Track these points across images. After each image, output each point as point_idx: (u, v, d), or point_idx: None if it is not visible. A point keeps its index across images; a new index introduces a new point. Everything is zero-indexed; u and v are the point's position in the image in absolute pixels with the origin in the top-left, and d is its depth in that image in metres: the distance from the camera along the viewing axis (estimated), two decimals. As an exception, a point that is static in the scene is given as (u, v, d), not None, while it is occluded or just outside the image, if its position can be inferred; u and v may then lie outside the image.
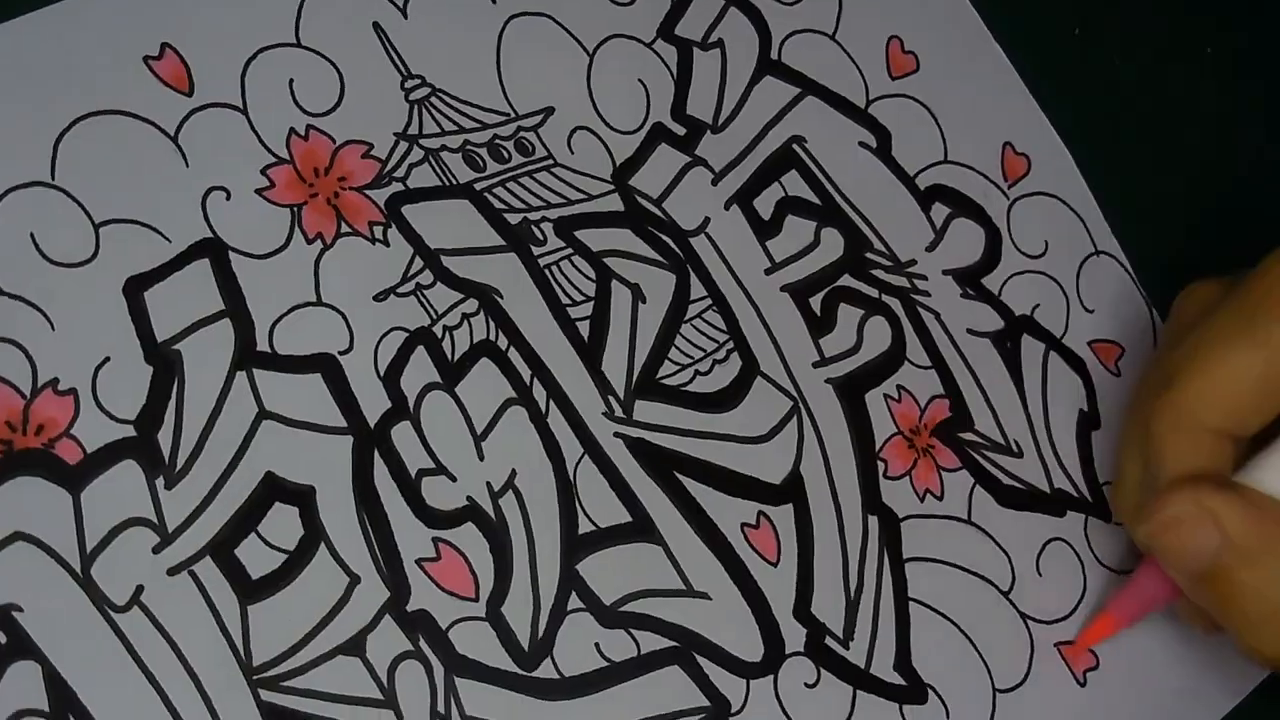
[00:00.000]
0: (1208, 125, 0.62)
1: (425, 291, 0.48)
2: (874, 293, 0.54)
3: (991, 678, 0.51)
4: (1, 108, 0.45)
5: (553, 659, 0.47)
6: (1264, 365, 0.46)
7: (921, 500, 0.52)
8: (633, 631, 0.48)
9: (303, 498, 0.45)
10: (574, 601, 0.48)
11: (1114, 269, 0.58)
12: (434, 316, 0.48)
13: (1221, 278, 0.52)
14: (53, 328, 0.44)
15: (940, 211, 0.56)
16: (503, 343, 0.49)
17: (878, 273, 0.54)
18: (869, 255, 0.54)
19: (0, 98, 0.45)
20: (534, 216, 0.50)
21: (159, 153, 0.46)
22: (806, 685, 0.50)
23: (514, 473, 0.48)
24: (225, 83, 0.48)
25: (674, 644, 0.49)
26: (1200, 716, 0.55)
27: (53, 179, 0.45)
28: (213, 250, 0.46)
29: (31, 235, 0.44)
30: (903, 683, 0.51)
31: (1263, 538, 0.46)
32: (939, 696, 0.51)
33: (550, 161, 0.51)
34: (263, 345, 0.46)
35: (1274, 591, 0.46)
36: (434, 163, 0.49)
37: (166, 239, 0.46)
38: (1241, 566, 0.46)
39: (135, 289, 0.45)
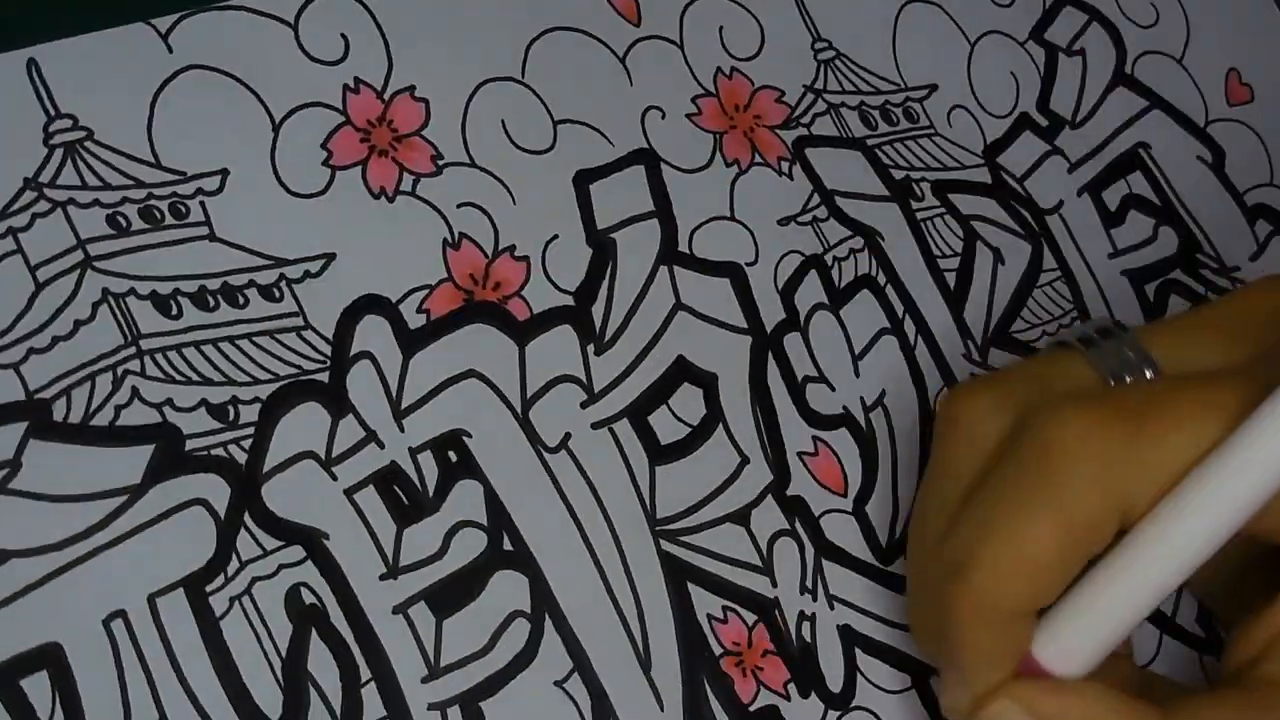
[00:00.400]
0: None
1: (820, 224, 0.51)
2: (1201, 289, 0.56)
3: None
4: (484, 13, 0.48)
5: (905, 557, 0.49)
6: (1064, 534, 0.40)
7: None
8: (975, 545, 0.50)
9: (707, 382, 0.48)
10: (925, 511, 0.49)
11: None
12: (826, 246, 0.51)
13: (989, 387, 0.45)
14: (514, 202, 0.47)
15: (1263, 228, 0.58)
16: (881, 279, 0.51)
17: (1205, 273, 0.56)
18: (1199, 256, 0.56)
19: (484, 7, 0.48)
20: (915, 175, 0.53)
21: (609, 70, 0.49)
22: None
23: (884, 392, 0.50)
24: (667, 20, 0.51)
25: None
26: None
27: (522, 77, 0.48)
28: (647, 159, 0.49)
29: (502, 122, 0.47)
30: (1202, 635, 0.52)
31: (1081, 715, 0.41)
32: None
33: (932, 130, 0.53)
34: (683, 246, 0.49)
35: None
36: (834, 116, 0.52)
37: (610, 143, 0.49)
38: None
39: (582, 181, 0.48)
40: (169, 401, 0.41)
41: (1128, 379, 0.44)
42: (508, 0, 0.48)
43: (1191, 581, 0.44)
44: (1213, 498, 0.39)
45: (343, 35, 0.46)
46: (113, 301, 0.41)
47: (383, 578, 0.42)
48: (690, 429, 0.47)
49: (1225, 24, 0.60)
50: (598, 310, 0.47)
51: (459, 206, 0.46)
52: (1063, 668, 0.42)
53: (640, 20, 0.50)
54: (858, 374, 0.50)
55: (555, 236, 0.47)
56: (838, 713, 0.47)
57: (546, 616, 0.44)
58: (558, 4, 0.49)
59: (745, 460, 0.47)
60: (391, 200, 0.45)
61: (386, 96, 0.46)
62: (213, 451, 0.41)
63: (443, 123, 0.47)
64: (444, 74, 0.47)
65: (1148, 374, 0.44)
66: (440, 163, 0.46)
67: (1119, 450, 0.40)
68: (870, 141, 0.52)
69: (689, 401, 0.48)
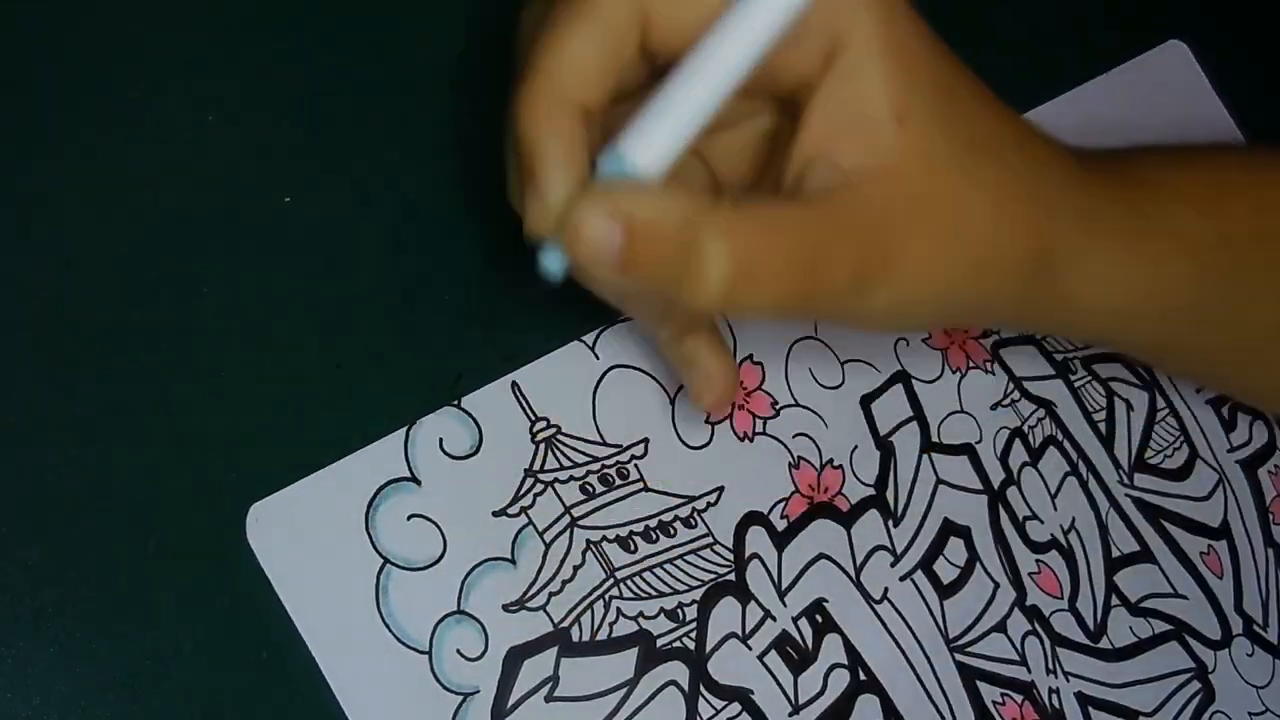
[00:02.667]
0: None
1: (1016, 404, 0.54)
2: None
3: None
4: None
5: (1108, 636, 0.52)
6: (598, 34, 0.36)
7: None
8: (1148, 619, 0.53)
9: (964, 533, 0.51)
10: (1114, 600, 0.53)
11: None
12: (1022, 419, 0.53)
13: None
14: (827, 426, 0.49)
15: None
16: (1059, 436, 0.54)
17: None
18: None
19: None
20: (1070, 356, 0.55)
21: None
22: (1247, 655, 0.55)
23: (1074, 519, 0.53)
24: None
25: (1170, 627, 0.53)
26: None
27: (815, 333, 0.51)
28: (903, 378, 0.52)
29: (810, 370, 0.50)
30: (1291, 652, 0.55)
31: (652, 203, 0.34)
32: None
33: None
34: (935, 437, 0.51)
35: (674, 246, 0.34)
36: (1015, 326, 0.55)
37: (878, 370, 0.51)
38: (643, 237, 0.34)
39: (865, 402, 0.51)
40: (640, 614, 0.44)
41: None
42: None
43: (721, 177, 0.41)
44: (718, 38, 0.34)
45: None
46: (593, 548, 0.44)
47: (791, 716, 0.45)
48: (959, 569, 0.50)
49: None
50: (890, 494, 0.50)
51: (794, 437, 0.48)
52: (644, 162, 0.34)
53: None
54: (1055, 509, 0.53)
55: (856, 446, 0.49)
56: (1084, 756, 0.49)
57: (895, 723, 0.46)
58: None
59: (997, 585, 0.50)
60: (752, 441, 0.48)
61: (739, 364, 0.48)
62: (673, 644, 0.44)
63: (774, 378, 0.49)
64: (768, 341, 0.49)
65: None
66: (777, 407, 0.49)
67: None
68: (1038, 336, 0.55)
69: (956, 550, 0.50)
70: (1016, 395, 0.53)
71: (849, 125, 0.37)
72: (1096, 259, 0.42)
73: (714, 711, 0.44)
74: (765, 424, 0.48)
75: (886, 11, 0.37)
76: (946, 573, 0.49)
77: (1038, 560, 0.51)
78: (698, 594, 0.45)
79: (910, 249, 0.38)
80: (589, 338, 0.46)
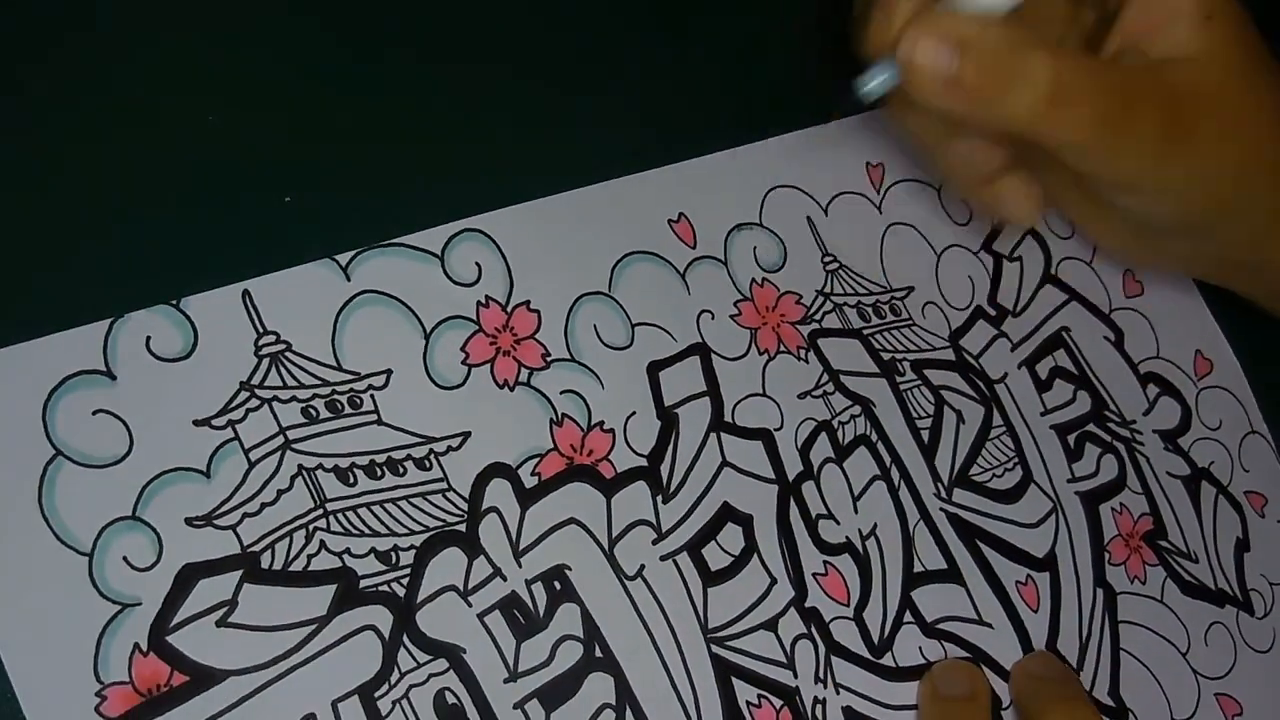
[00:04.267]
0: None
1: (829, 397, 0.50)
2: (1108, 438, 0.55)
3: (1171, 710, 0.52)
4: (578, 243, 0.48)
5: (893, 653, 0.48)
6: None
7: (1131, 582, 0.53)
8: (943, 642, 0.49)
9: (745, 521, 0.47)
10: (907, 616, 0.49)
11: (1264, 444, 0.59)
12: (832, 414, 0.50)
13: None
14: (602, 387, 0.46)
15: (1153, 390, 0.57)
16: (874, 437, 0.50)
17: (1111, 425, 0.55)
18: (1106, 413, 0.55)
19: (577, 237, 0.48)
20: (899, 357, 0.52)
21: (673, 282, 0.48)
22: (1052, 697, 0.50)
23: (875, 525, 0.49)
24: (715, 243, 0.50)
25: (968, 655, 0.50)
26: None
27: (609, 290, 0.47)
28: (701, 350, 0.48)
29: (594, 326, 0.47)
30: (1112, 704, 0.51)
31: (982, 30, 0.41)
32: (1135, 717, 0.51)
33: (910, 321, 0.53)
34: (728, 417, 0.48)
35: (1002, 60, 0.41)
36: (839, 313, 0.51)
37: (674, 339, 0.48)
38: (975, 58, 0.40)
39: (654, 369, 0.47)
40: (347, 550, 0.41)
41: None
42: (600, 231, 0.47)
43: None
44: None
45: (477, 263, 0.45)
46: (306, 475, 0.40)
47: (506, 681, 0.42)
48: (733, 558, 0.46)
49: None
50: (665, 468, 0.46)
51: (562, 393, 0.45)
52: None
53: (696, 244, 0.49)
54: (856, 511, 0.49)
55: (634, 413, 0.46)
56: (843, 774, 0.45)
57: (627, 708, 0.43)
58: (636, 232, 0.48)
59: (774, 581, 0.47)
60: (512, 390, 0.45)
61: (509, 309, 0.45)
62: (379, 588, 0.40)
63: (551, 328, 0.46)
64: (552, 291, 0.46)
65: None
66: (549, 359, 0.45)
67: None
68: (865, 332, 0.51)
69: (732, 537, 0.47)
70: (830, 388, 0.50)
71: (1162, 20, 0.43)
72: None
73: (415, 665, 0.40)
74: (531, 375, 0.45)
75: None
76: (717, 559, 0.46)
77: (826, 561, 0.47)
78: (418, 540, 0.42)
79: (1204, 128, 0.43)
80: (343, 257, 0.43)
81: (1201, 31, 0.44)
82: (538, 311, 0.45)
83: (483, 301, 0.45)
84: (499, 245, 0.45)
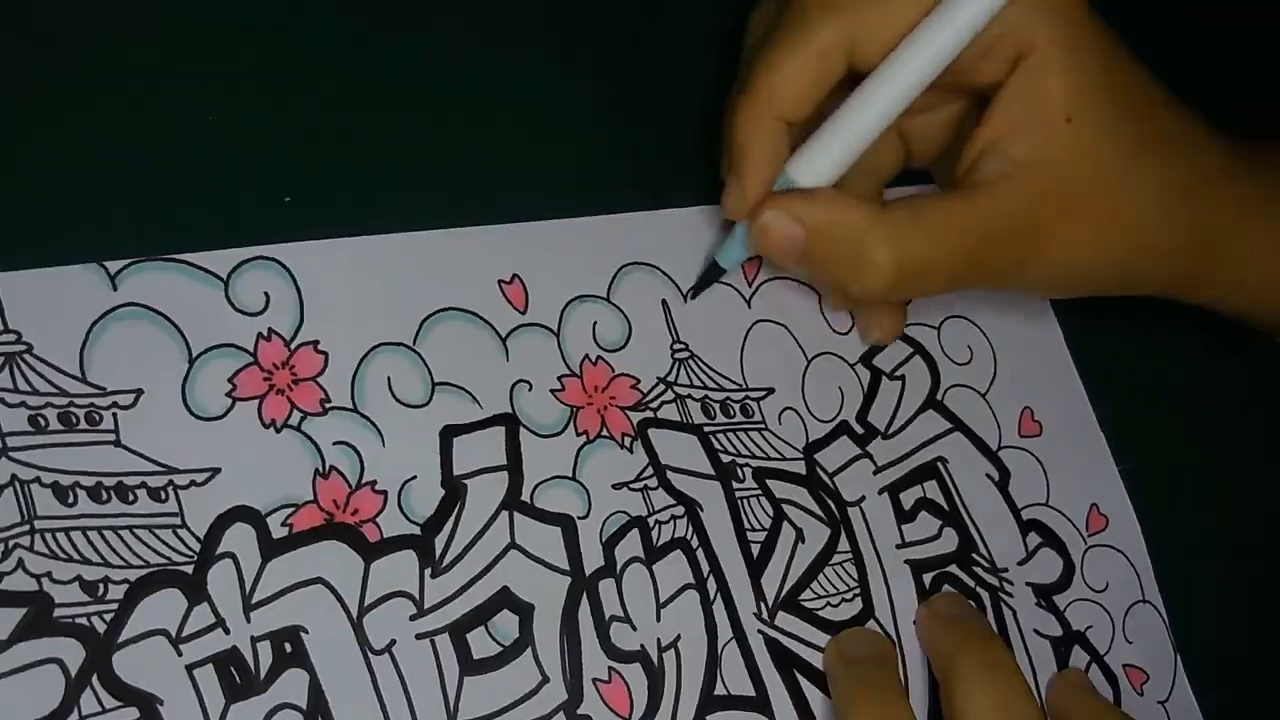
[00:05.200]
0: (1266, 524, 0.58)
1: (650, 492, 0.46)
2: (971, 583, 0.51)
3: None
4: (384, 291, 0.45)
5: (672, 779, 0.44)
6: (809, 58, 0.43)
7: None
8: (734, 778, 0.45)
9: (525, 611, 0.43)
10: (698, 742, 0.44)
11: (1154, 616, 0.54)
12: (651, 510, 0.46)
13: None
14: (383, 445, 0.43)
15: (1034, 539, 0.53)
16: (694, 543, 0.47)
17: (978, 570, 0.51)
18: (974, 555, 0.51)
19: (384, 284, 0.45)
20: (740, 461, 0.48)
21: (490, 347, 0.45)
22: None
23: (679, 637, 0.45)
24: (549, 312, 0.47)
25: (761, 797, 0.45)
26: None
27: (413, 344, 0.44)
28: (509, 422, 0.45)
29: (388, 379, 0.43)
30: None
31: (826, 212, 0.44)
32: None
33: (763, 425, 0.49)
34: (525, 497, 0.44)
35: (847, 247, 0.44)
36: (679, 405, 0.48)
37: (479, 405, 0.45)
38: (820, 239, 0.44)
39: (448, 434, 0.44)
40: (48, 574, 0.38)
41: None
42: (416, 281, 0.45)
43: (916, 153, 0.50)
44: (921, 47, 0.43)
45: (265, 293, 0.42)
46: (18, 486, 0.38)
47: (204, 745, 0.37)
48: (502, 648, 0.43)
49: (1027, 370, 0.55)
50: (440, 541, 0.43)
51: (335, 444, 0.42)
52: (812, 181, 0.45)
53: (527, 309, 0.46)
54: (659, 619, 0.45)
55: (414, 477, 0.43)
56: None
57: (342, 793, 0.39)
58: (457, 288, 0.45)
59: (545, 679, 0.43)
60: (279, 431, 0.41)
61: (293, 346, 0.42)
62: (76, 620, 0.37)
63: (337, 373, 0.43)
64: (346, 334, 0.43)
65: None
66: (327, 405, 0.42)
67: (850, 2, 0.43)
68: (707, 429, 0.48)
69: (506, 626, 0.43)
70: (654, 483, 0.46)
71: (1024, 120, 0.44)
72: (1253, 241, 0.48)
73: (99, 709, 0.37)
74: (304, 419, 0.42)
75: (1069, 18, 0.43)
76: (482, 646, 0.42)
77: (612, 668, 0.44)
78: (134, 574, 0.38)
79: (1065, 232, 0.45)
80: (114, 265, 0.40)
81: (1063, 133, 0.44)
82: (325, 354, 0.42)
83: (264, 334, 0.42)
84: (295, 278, 0.42)
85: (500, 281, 0.46)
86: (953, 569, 0.51)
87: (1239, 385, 0.51)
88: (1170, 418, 0.58)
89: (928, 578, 0.50)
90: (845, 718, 0.45)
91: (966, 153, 0.45)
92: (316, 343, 0.43)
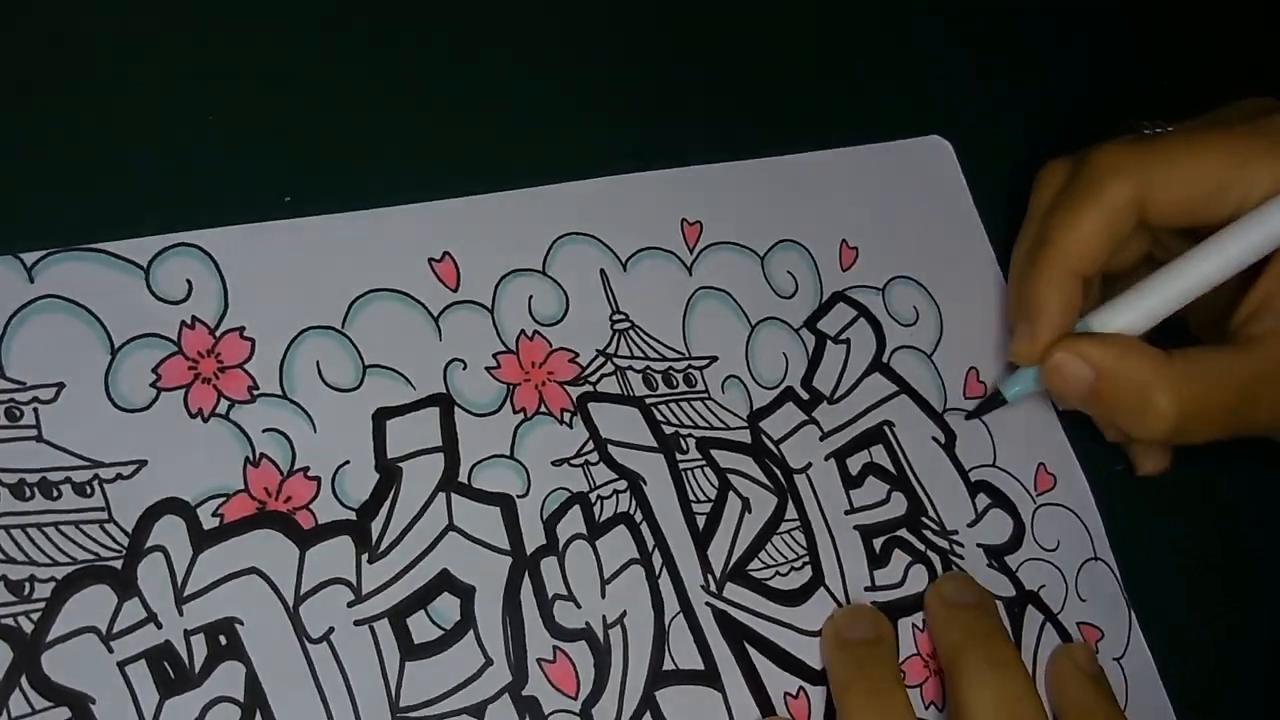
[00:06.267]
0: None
1: (591, 467, 0.46)
2: (922, 547, 0.51)
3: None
4: (311, 274, 0.44)
5: (621, 758, 0.43)
6: (1103, 218, 0.48)
7: (926, 709, 0.49)
8: (686, 752, 0.44)
9: (466, 593, 0.43)
10: (646, 718, 0.44)
11: (1106, 573, 0.54)
12: (592, 486, 0.46)
13: (1063, 158, 0.52)
14: (315, 430, 0.42)
15: (983, 500, 0.53)
16: (638, 517, 0.46)
17: (927, 533, 0.51)
18: (924, 519, 0.51)
19: (311, 267, 0.44)
20: (684, 432, 0.48)
21: (423, 326, 0.45)
22: (806, 826, 0.46)
23: (625, 613, 0.45)
24: (482, 289, 0.46)
25: (714, 772, 0.45)
26: None
27: (342, 327, 0.44)
28: (443, 402, 0.45)
29: (316, 363, 0.43)
30: None
31: (1115, 357, 0.48)
32: None
33: (706, 395, 0.49)
34: (463, 478, 0.44)
35: (1132, 392, 0.48)
36: (620, 377, 0.48)
37: (412, 386, 0.44)
38: (1107, 381, 0.48)
39: (381, 417, 0.44)
40: (-31, 575, 0.37)
41: None
42: (342, 262, 0.44)
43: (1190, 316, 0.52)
44: (1238, 239, 0.48)
45: (188, 280, 0.42)
46: (-64, 487, 0.37)
47: (139, 741, 0.37)
48: (443, 632, 0.42)
49: (974, 331, 0.55)
50: (376, 525, 0.42)
51: (264, 431, 0.42)
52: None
53: (459, 287, 0.45)
54: (604, 596, 0.45)
55: (347, 461, 0.42)
56: None
57: (283, 785, 0.39)
58: (385, 268, 0.45)
59: (489, 662, 0.43)
60: (206, 420, 0.41)
61: (218, 334, 0.42)
62: (3, 621, 0.37)
63: (265, 359, 0.43)
64: (272, 320, 0.43)
65: None
66: (255, 393, 0.42)
67: (1136, 158, 0.48)
68: (649, 400, 0.48)
69: (447, 609, 0.43)
70: (594, 458, 0.46)
71: None
72: None
73: (29, 710, 0.37)
74: (232, 407, 0.41)
75: None
76: (423, 631, 0.42)
77: (556, 647, 0.43)
78: (61, 572, 0.38)
79: None
80: (30, 256, 0.40)
81: None
82: (251, 340, 0.42)
83: (188, 322, 0.41)
84: (217, 264, 0.42)
85: (430, 260, 0.46)
86: (902, 533, 0.51)
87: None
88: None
89: (878, 543, 0.50)
90: (840, 704, 0.46)
91: (1242, 308, 0.48)
92: (242, 329, 0.42)
